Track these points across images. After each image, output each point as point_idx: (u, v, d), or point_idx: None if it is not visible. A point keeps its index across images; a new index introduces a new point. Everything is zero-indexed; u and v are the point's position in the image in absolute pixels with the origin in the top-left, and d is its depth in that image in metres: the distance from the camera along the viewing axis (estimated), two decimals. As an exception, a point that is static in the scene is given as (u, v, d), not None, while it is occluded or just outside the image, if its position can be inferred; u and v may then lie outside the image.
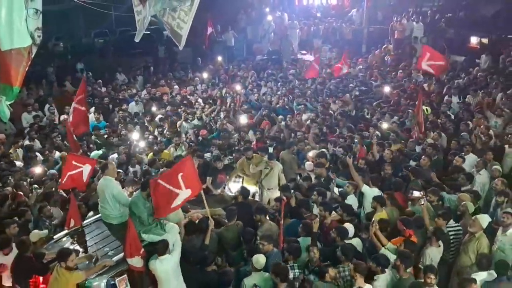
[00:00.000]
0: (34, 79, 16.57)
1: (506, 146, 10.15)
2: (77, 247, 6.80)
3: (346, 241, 6.85)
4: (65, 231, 7.32)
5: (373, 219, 7.32)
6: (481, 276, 6.14)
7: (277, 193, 8.92)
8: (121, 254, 6.46)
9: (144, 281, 6.56)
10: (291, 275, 6.22)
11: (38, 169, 9.75)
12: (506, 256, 6.66)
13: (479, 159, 9.37)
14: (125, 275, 6.26)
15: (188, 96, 16.10)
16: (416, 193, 7.71)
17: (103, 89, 16.86)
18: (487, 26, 21.12)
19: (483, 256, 6.52)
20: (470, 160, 9.62)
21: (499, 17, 22.90)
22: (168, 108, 14.57)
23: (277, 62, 21.33)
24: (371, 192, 8.26)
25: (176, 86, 17.37)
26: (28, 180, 9.38)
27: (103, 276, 6.21)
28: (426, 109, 12.60)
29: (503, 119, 11.77)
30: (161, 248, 6.42)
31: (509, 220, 6.93)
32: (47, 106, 14.63)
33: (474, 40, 20.59)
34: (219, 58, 20.73)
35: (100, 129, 12.60)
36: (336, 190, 9.01)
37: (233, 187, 9.47)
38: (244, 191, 8.28)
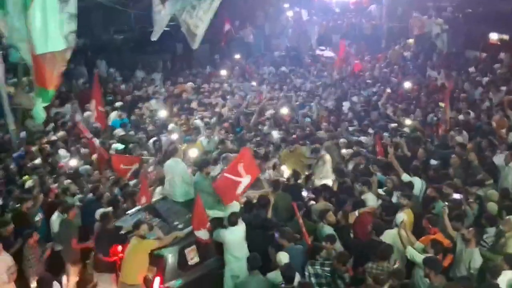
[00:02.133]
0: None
1: None
2: (149, 221, 7.35)
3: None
4: (138, 207, 8.08)
5: (403, 218, 7.25)
6: (508, 276, 6.00)
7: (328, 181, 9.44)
8: (190, 227, 7.12)
9: (210, 251, 7.25)
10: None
11: (73, 162, 10.27)
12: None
13: (507, 152, 9.29)
14: (194, 246, 7.02)
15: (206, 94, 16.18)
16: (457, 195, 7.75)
17: (123, 86, 17.03)
18: (508, 22, 20.74)
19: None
20: (500, 157, 9.47)
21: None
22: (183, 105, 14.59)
23: (296, 58, 21.25)
24: (412, 180, 8.46)
25: (189, 83, 17.33)
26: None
27: (174, 247, 6.93)
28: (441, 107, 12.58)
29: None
30: (232, 219, 7.18)
31: None
32: (68, 103, 14.83)
33: (494, 36, 20.21)
34: (237, 56, 20.72)
35: (126, 126, 12.80)
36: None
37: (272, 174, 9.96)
38: (296, 175, 9.11)
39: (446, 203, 7.51)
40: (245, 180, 7.57)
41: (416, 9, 22.12)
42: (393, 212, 7.71)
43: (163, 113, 13.70)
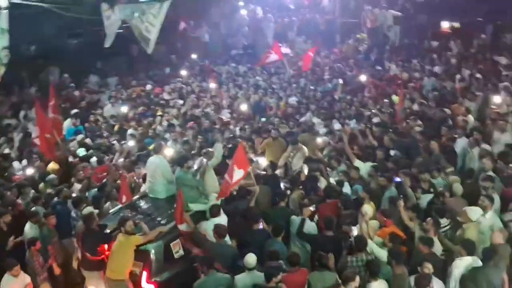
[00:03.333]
0: (4, 86, 16.20)
1: (498, 132, 9.98)
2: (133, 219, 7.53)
3: None
4: (119, 206, 8.28)
5: (364, 210, 7.39)
6: (465, 261, 6.14)
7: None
8: (173, 222, 7.40)
9: (194, 244, 7.39)
10: None
11: (29, 171, 10.18)
12: (485, 238, 6.73)
13: (471, 137, 9.58)
14: (178, 240, 7.27)
15: (165, 95, 16.03)
16: (397, 179, 8.06)
17: (77, 93, 16.62)
18: (458, 10, 21.38)
19: (470, 241, 6.47)
20: (462, 143, 9.77)
21: (468, 1, 23.20)
22: (140, 109, 14.47)
23: (253, 56, 21.28)
24: (364, 166, 8.69)
25: (149, 86, 17.23)
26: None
27: (159, 241, 7.17)
28: (395, 99, 12.97)
29: (477, 103, 11.99)
30: (214, 211, 7.48)
31: (486, 202, 7.07)
32: (22, 112, 14.35)
33: (445, 25, 20.80)
34: (194, 55, 20.59)
35: (80, 133, 12.50)
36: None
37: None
38: (273, 165, 9.45)
39: (401, 196, 7.64)
40: (238, 173, 7.86)
41: (368, 2, 22.54)
42: (352, 206, 7.78)
43: (120, 118, 13.45)
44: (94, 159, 10.67)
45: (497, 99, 11.53)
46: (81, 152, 11.17)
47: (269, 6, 25.70)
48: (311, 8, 25.45)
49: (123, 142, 11.88)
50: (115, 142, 11.91)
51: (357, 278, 5.78)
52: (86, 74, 19.13)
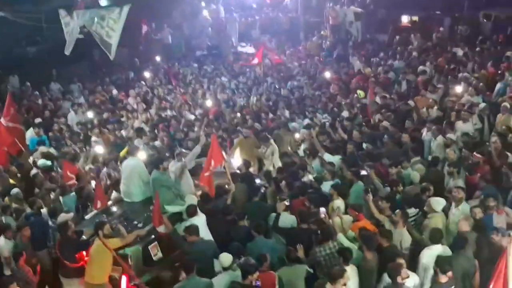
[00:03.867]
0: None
1: (460, 121, 10.19)
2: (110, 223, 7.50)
3: None
4: (95, 212, 8.25)
5: (335, 205, 7.49)
6: (433, 250, 6.23)
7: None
8: (150, 225, 7.39)
9: (173, 246, 7.39)
10: None
11: None
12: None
13: (434, 127, 9.79)
14: (156, 242, 7.22)
15: (130, 99, 15.82)
16: (363, 172, 8.16)
17: (40, 101, 16.20)
18: (417, 4, 21.86)
19: (436, 230, 6.59)
20: (427, 134, 9.98)
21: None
22: (105, 115, 14.24)
23: (218, 56, 21.25)
24: (332, 158, 8.86)
25: (115, 91, 16.99)
26: None
27: (137, 245, 7.14)
28: (360, 93, 13.14)
29: (438, 94, 12.29)
30: (191, 211, 7.46)
31: (460, 194, 7.21)
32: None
33: (405, 19, 21.23)
34: (157, 58, 20.40)
35: (43, 144, 12.18)
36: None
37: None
38: (246, 163, 9.54)
39: (369, 189, 7.74)
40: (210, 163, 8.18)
41: (329, 0, 22.79)
42: (321, 203, 7.80)
43: (85, 125, 13.23)
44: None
45: (458, 89, 11.83)
46: (44, 163, 10.87)
47: (231, 5, 25.72)
48: (274, 7, 25.64)
49: (88, 149, 11.68)
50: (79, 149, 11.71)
51: (346, 275, 5.73)
52: (47, 81, 18.65)
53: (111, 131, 12.79)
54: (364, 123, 11.23)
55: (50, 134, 13.13)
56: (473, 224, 6.70)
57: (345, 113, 12.24)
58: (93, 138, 12.18)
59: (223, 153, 9.17)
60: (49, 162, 10.86)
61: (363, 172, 8.35)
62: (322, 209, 7.36)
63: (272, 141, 10.70)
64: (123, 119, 13.88)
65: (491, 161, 8.46)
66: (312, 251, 6.74)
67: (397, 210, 7.06)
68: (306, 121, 12.10)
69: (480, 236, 6.51)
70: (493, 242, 6.23)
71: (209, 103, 14.50)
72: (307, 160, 9.72)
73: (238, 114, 13.41)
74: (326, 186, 8.41)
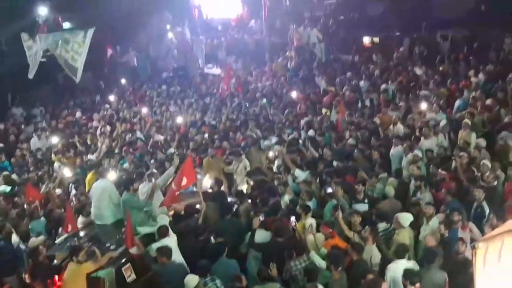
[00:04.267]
0: None
1: (422, 138, 10.45)
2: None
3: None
4: (65, 235, 8.16)
5: (305, 223, 7.54)
6: (400, 264, 6.31)
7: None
8: (123, 247, 7.34)
9: (146, 267, 7.34)
10: None
11: None
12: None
13: (405, 144, 10.02)
14: (129, 264, 7.10)
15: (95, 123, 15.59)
16: (329, 189, 8.27)
17: (2, 126, 15.80)
18: (377, 25, 22.57)
19: (401, 245, 6.72)
20: (397, 150, 10.19)
21: (385, 17, 24.61)
22: (70, 139, 14.01)
23: (184, 78, 21.27)
24: (302, 174, 8.94)
25: (78, 114, 16.75)
26: None
27: (110, 267, 7.02)
28: (327, 112, 13.41)
29: (399, 112, 12.59)
30: (162, 231, 7.41)
31: (431, 211, 7.43)
32: None
33: (366, 40, 21.87)
34: (123, 80, 20.25)
35: (5, 170, 11.89)
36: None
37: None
38: (218, 182, 9.52)
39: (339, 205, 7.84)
40: (182, 182, 8.17)
41: (293, 21, 23.26)
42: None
43: (47, 150, 12.95)
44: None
45: (423, 106, 12.17)
46: (5, 189, 10.69)
47: (197, 27, 25.92)
48: (239, 29, 25.93)
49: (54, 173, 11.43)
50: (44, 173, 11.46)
51: None
52: (9, 106, 18.20)
53: (77, 155, 12.54)
54: (334, 140, 11.38)
55: (13, 159, 12.80)
56: (439, 239, 6.87)
57: (311, 132, 12.33)
58: (56, 163, 11.94)
59: (196, 172, 9.20)
60: (9, 188, 10.65)
61: (329, 190, 8.42)
62: (292, 218, 7.48)
63: (243, 156, 10.80)
64: (88, 141, 13.64)
65: (456, 176, 8.72)
66: (286, 266, 6.75)
67: (366, 227, 7.15)
68: (274, 138, 12.18)
69: (445, 251, 6.68)
70: (457, 255, 6.41)
71: (178, 122, 14.43)
72: (284, 176, 9.76)
73: (206, 135, 13.37)
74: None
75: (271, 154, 11.12)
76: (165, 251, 6.97)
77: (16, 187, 10.80)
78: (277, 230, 7.33)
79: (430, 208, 7.50)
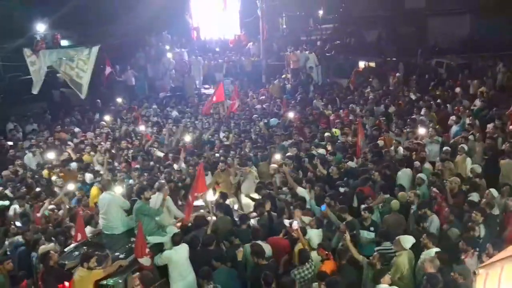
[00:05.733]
0: None
1: (417, 162, 10.46)
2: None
3: None
4: (75, 244, 8.22)
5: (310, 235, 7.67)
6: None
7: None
8: (132, 256, 7.42)
9: (154, 277, 7.34)
10: None
11: None
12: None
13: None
14: (138, 273, 7.07)
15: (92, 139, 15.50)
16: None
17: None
18: (373, 51, 22.95)
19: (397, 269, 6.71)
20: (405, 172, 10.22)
21: (380, 42, 25.10)
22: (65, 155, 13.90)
23: (182, 98, 21.32)
24: (305, 192, 9.13)
25: (76, 129, 16.70)
26: None
27: (119, 275, 7.14)
28: (335, 131, 13.44)
29: (402, 139, 12.53)
30: (176, 239, 7.61)
31: (425, 240, 7.26)
32: None
33: (361, 64, 22.19)
34: (119, 99, 20.26)
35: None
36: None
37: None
38: (223, 196, 9.58)
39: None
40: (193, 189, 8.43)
41: (290, 44, 23.57)
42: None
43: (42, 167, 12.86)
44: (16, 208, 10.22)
45: (422, 131, 12.22)
46: (5, 203, 10.65)
47: (195, 49, 26.13)
48: (236, 51, 26.20)
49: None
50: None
51: None
52: (4, 122, 18.10)
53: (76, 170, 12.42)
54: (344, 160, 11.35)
55: (4, 172, 12.65)
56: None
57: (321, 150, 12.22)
58: (53, 178, 11.83)
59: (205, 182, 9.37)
60: (6, 202, 10.65)
61: (323, 207, 8.44)
62: (294, 223, 7.55)
63: (250, 168, 10.94)
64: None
65: (447, 199, 8.74)
66: (286, 277, 6.69)
67: (375, 253, 7.13)
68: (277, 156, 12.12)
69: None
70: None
71: (186, 140, 14.36)
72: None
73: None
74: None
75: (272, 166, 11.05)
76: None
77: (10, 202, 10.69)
78: (256, 254, 7.28)
79: (425, 238, 7.32)
